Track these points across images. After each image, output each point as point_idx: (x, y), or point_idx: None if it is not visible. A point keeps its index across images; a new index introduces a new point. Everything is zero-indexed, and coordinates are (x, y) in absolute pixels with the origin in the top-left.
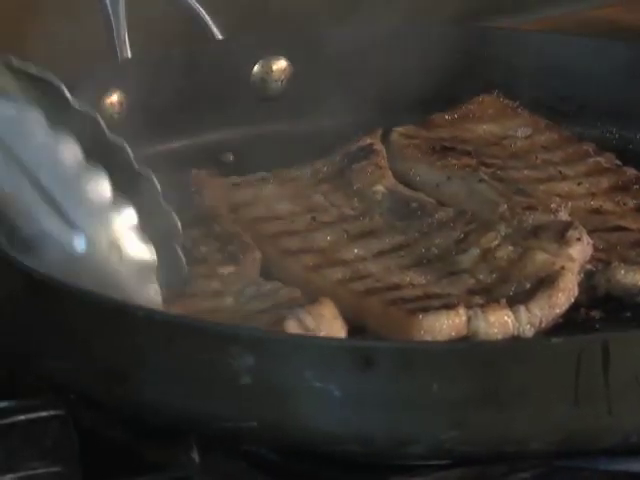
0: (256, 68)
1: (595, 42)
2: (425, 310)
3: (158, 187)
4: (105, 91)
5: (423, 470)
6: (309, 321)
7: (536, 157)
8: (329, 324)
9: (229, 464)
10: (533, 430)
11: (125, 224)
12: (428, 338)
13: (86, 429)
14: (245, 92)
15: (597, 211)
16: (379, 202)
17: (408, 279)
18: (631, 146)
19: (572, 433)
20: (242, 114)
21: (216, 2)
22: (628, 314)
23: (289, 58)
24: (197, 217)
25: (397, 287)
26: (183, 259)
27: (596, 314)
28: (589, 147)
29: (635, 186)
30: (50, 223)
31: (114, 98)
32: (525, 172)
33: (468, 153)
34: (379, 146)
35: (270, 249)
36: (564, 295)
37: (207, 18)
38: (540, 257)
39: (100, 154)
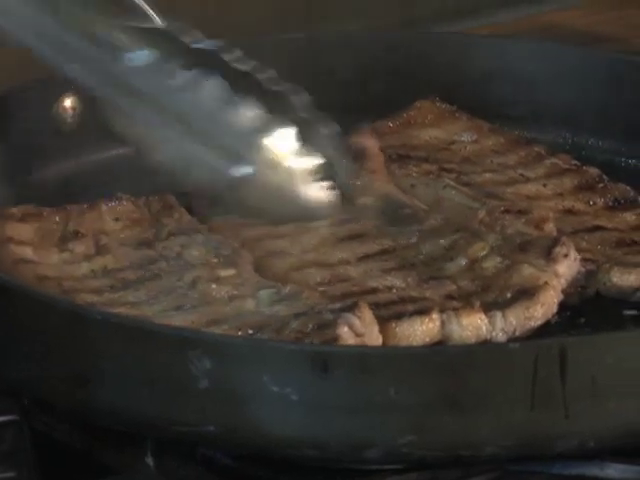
0: None
1: (546, 46)
2: (398, 317)
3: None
4: (58, 96)
5: (377, 474)
6: (358, 326)
7: (491, 161)
8: (370, 328)
9: (184, 468)
10: (490, 435)
11: (282, 139)
12: (403, 344)
13: (42, 434)
14: None
15: (570, 212)
16: (372, 207)
17: (387, 283)
18: (584, 152)
19: (529, 438)
20: None
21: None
22: (582, 320)
23: None
24: (179, 226)
25: (373, 291)
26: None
27: (551, 320)
28: (540, 149)
29: (600, 184)
30: (204, 154)
31: (67, 103)
32: (487, 176)
33: (426, 159)
34: (372, 146)
35: (255, 251)
36: (542, 309)
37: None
38: (526, 271)
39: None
